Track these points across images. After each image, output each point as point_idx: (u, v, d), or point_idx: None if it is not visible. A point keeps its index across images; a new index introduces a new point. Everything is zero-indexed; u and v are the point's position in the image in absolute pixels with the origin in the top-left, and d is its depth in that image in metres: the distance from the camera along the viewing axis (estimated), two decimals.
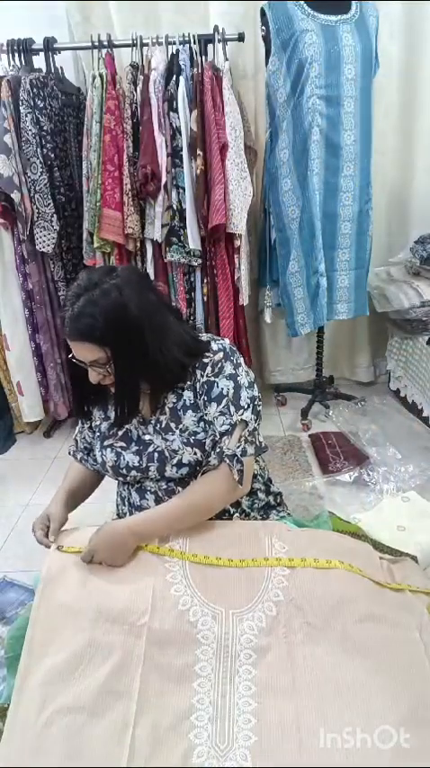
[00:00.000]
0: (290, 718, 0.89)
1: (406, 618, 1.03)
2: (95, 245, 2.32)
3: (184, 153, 2.21)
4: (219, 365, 1.17)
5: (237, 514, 1.30)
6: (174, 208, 2.29)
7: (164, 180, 2.23)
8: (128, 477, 1.25)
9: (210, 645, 0.98)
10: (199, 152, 2.18)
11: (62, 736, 0.88)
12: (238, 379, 1.17)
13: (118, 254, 2.37)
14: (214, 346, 1.20)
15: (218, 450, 1.14)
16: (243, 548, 1.11)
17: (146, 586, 1.04)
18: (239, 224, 2.27)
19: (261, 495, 1.35)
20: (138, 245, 2.39)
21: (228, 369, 1.17)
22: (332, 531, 1.27)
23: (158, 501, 1.23)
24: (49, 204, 2.27)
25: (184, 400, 1.20)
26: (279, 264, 2.48)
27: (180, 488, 1.22)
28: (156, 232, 2.31)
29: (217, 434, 1.14)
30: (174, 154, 2.24)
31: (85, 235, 2.38)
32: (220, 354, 1.18)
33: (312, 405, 2.77)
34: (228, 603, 1.03)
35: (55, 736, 0.88)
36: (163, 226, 2.31)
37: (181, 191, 2.26)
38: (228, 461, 1.12)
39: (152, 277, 2.43)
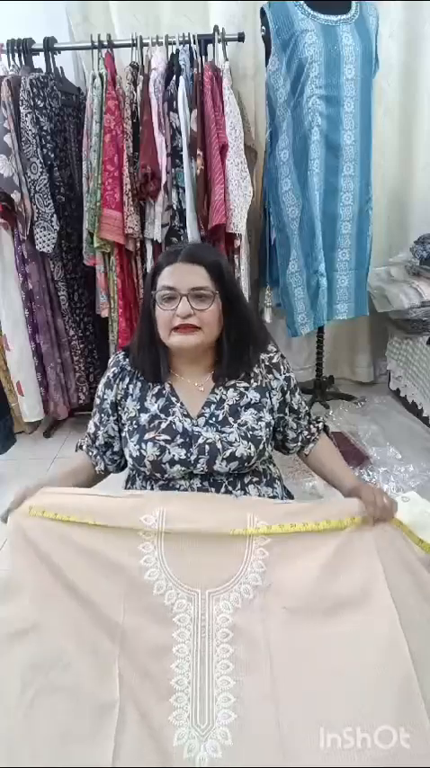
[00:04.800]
0: (267, 693, 0.91)
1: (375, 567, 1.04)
2: (95, 245, 2.32)
3: (184, 153, 2.21)
4: (286, 363, 1.34)
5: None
6: (174, 208, 2.29)
7: (164, 180, 2.23)
8: (167, 474, 1.20)
9: (186, 627, 0.99)
10: (199, 152, 2.18)
11: (47, 718, 0.89)
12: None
13: (118, 254, 2.37)
14: (271, 348, 1.34)
15: (313, 425, 1.41)
16: (221, 517, 1.09)
17: (119, 575, 1.03)
18: (239, 224, 2.27)
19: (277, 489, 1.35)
20: (138, 245, 2.38)
21: (287, 363, 1.36)
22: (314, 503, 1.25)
23: None
24: (49, 204, 2.27)
25: (249, 399, 1.26)
26: (279, 264, 2.48)
27: (213, 489, 1.20)
28: (156, 232, 2.31)
29: (303, 414, 1.38)
30: (174, 154, 2.24)
31: (85, 235, 2.38)
32: (279, 354, 1.35)
33: (312, 405, 2.77)
34: (205, 584, 1.03)
35: (40, 717, 0.89)
36: (163, 226, 2.31)
37: (181, 191, 2.26)
38: (325, 432, 1.44)
39: None
